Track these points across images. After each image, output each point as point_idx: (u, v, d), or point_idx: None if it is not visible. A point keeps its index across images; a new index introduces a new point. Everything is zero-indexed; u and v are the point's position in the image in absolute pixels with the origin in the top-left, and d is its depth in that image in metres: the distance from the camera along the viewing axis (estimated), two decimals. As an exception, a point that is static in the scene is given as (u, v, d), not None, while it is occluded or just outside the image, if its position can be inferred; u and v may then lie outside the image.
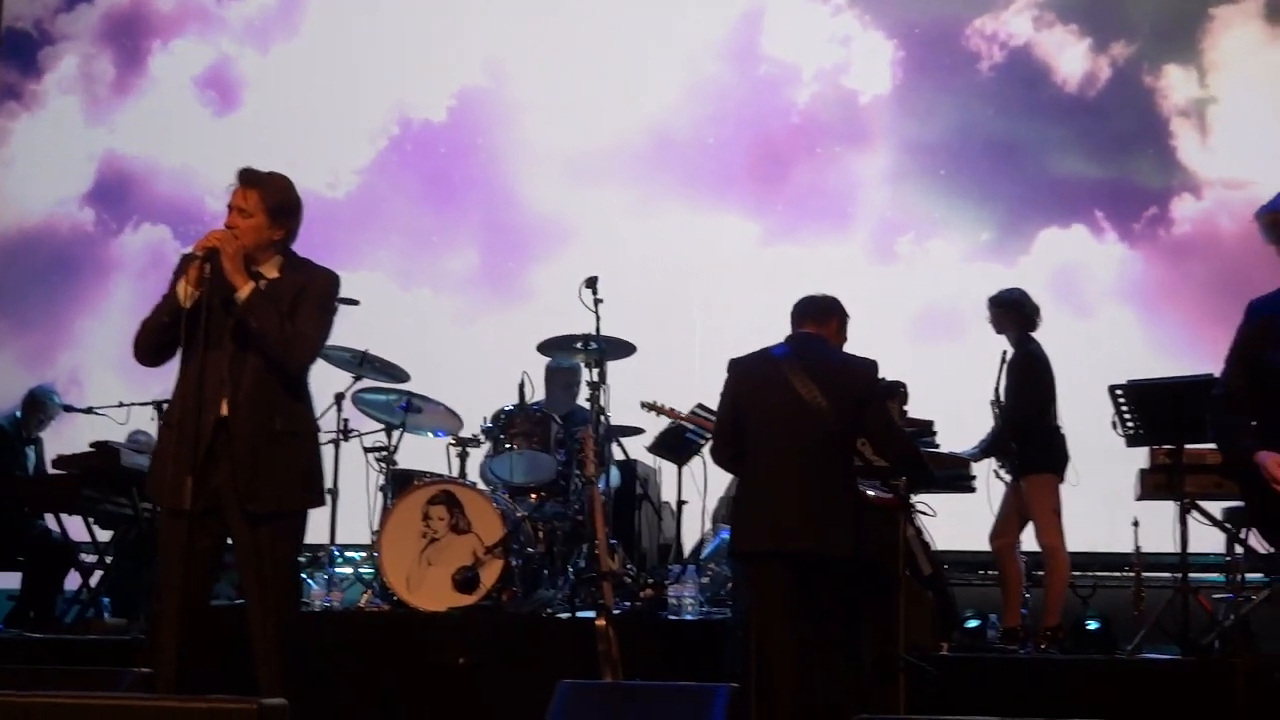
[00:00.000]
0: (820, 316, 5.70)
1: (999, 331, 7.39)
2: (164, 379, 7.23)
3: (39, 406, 8.58)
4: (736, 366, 5.63)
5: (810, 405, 5.37)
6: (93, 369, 10.48)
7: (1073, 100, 10.07)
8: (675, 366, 9.12)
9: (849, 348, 5.80)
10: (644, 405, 7.05)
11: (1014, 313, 7.34)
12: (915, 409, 7.19)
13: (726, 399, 5.60)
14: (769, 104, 10.45)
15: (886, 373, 5.79)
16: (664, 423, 7.58)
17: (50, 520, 8.28)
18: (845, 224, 10.22)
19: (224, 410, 4.87)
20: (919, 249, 10.07)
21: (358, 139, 10.78)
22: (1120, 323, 9.58)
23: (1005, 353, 7.30)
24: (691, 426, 7.40)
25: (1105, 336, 9.38)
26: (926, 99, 10.27)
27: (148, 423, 8.20)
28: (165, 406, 5.19)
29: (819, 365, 5.49)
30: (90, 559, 8.34)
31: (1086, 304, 9.73)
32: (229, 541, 5.02)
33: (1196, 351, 8.04)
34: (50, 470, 8.24)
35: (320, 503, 5.21)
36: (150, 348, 5.03)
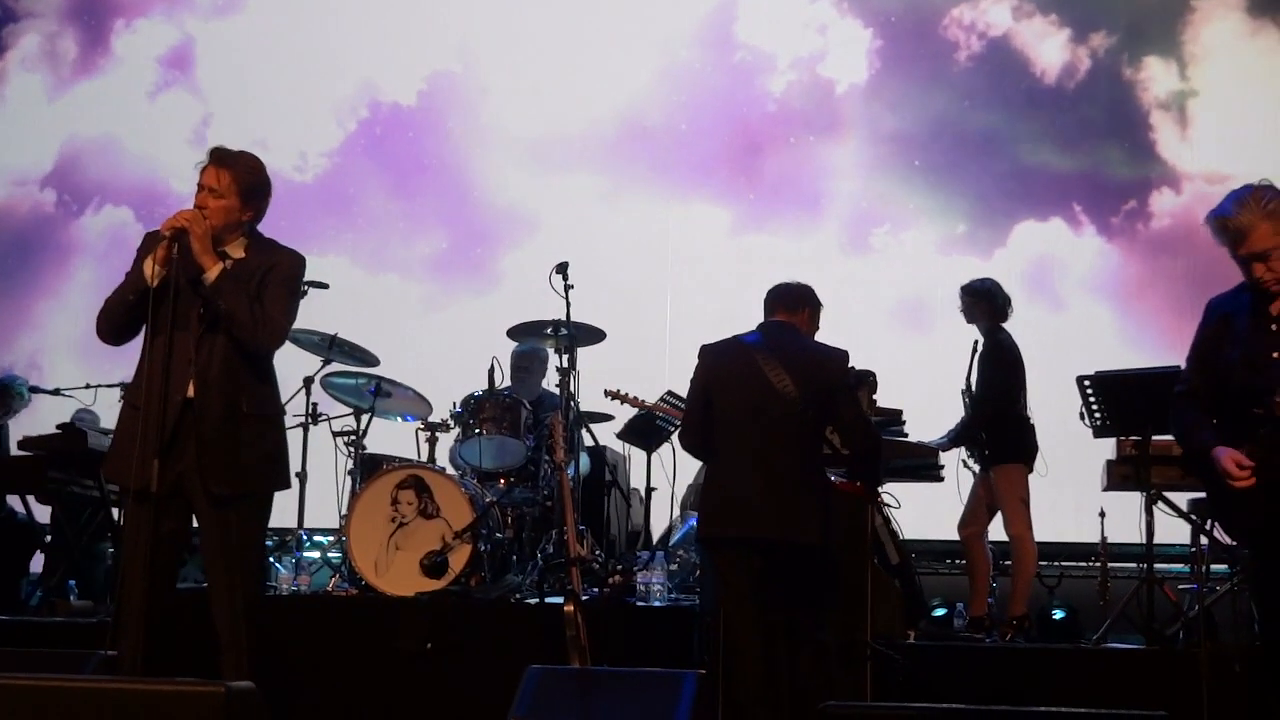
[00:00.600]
0: (793, 305, 5.69)
1: (970, 321, 7.41)
2: (126, 363, 7.23)
3: (7, 396, 8.52)
4: (707, 353, 5.63)
5: (780, 393, 5.37)
6: (52, 352, 10.34)
7: (1051, 92, 10.02)
8: (645, 353, 9.12)
9: (820, 337, 5.80)
10: (607, 394, 7.03)
11: (985, 302, 7.36)
12: (888, 399, 7.23)
13: (697, 385, 5.60)
14: (744, 92, 10.41)
15: (858, 362, 5.79)
16: (634, 409, 7.57)
17: (16, 502, 8.22)
18: (819, 214, 10.17)
19: (190, 391, 4.84)
20: (894, 240, 10.03)
21: (327, 122, 10.71)
22: (1096, 317, 9.54)
23: (976, 342, 7.33)
24: (657, 415, 7.40)
25: (1081, 330, 9.36)
26: (903, 89, 10.21)
27: (114, 404, 8.15)
28: (128, 386, 5.13)
29: (790, 353, 5.48)
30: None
31: (1063, 298, 9.70)
32: (195, 524, 4.99)
33: (1173, 346, 7.93)
34: (15, 452, 8.18)
35: (286, 485, 5.18)
36: (114, 327, 4.99)
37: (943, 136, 10.05)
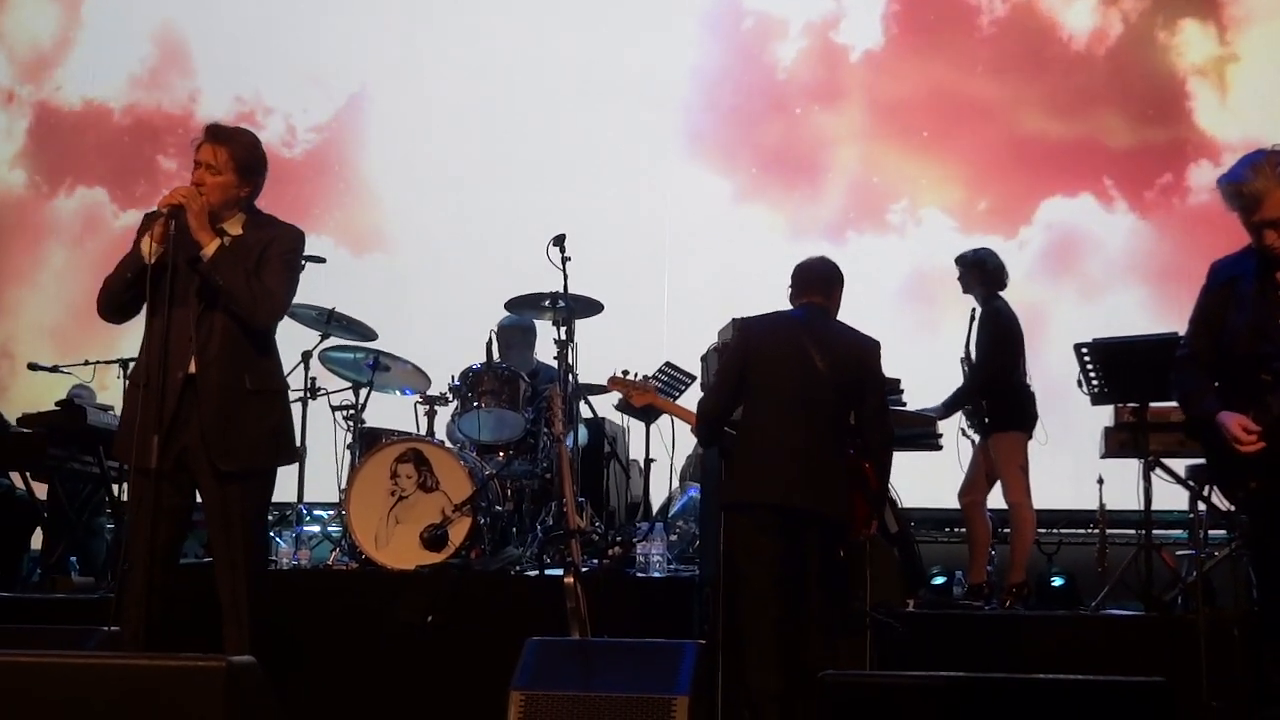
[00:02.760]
0: (825, 288, 5.73)
1: (966, 291, 7.41)
2: (102, 345, 7.20)
3: None
4: (750, 327, 5.66)
5: (820, 372, 5.42)
6: (25, 339, 10.13)
7: (1080, 58, 9.52)
8: (643, 325, 9.09)
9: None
10: (611, 382, 6.93)
11: (977, 271, 7.36)
12: (910, 377, 7.19)
13: (735, 357, 5.62)
14: (752, 60, 10.10)
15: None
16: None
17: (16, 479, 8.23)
18: (828, 187, 9.87)
19: (192, 368, 4.85)
20: (911, 218, 9.67)
21: (317, 95, 10.53)
22: (1128, 299, 9.06)
23: (974, 310, 7.33)
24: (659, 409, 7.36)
25: (1112, 313, 8.75)
26: (921, 56, 9.76)
27: (113, 380, 8.16)
28: (131, 365, 5.14)
29: (828, 338, 5.54)
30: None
31: (1093, 278, 9.30)
32: (198, 500, 5.01)
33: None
34: (16, 428, 8.19)
35: (291, 460, 5.21)
36: (114, 305, 5.00)
37: (963, 106, 9.62)
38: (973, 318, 7.33)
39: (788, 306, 5.75)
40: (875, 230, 9.67)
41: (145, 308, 4.88)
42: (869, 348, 5.64)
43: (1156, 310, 8.87)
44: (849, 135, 9.90)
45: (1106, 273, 9.30)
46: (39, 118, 10.85)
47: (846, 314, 5.81)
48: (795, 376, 5.46)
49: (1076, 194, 9.37)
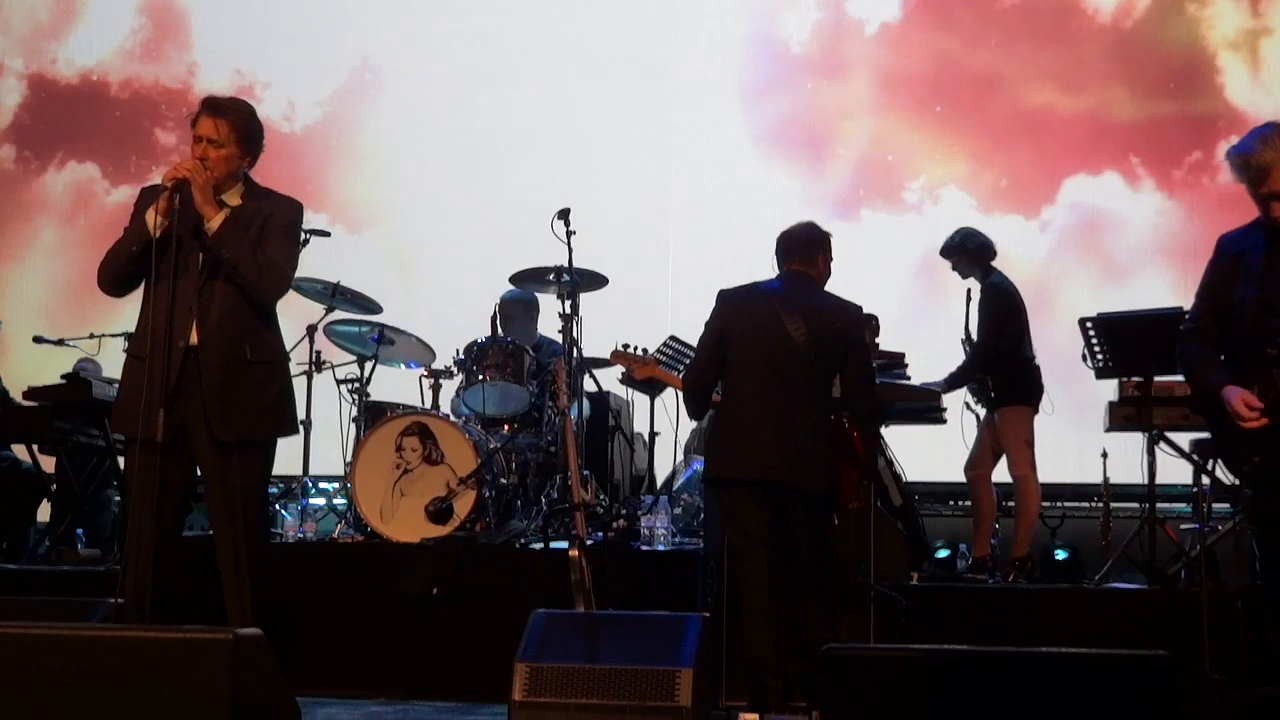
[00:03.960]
0: (807, 253, 5.66)
1: (965, 276, 7.38)
2: (93, 324, 7.17)
3: None
4: (727, 298, 5.62)
5: (796, 342, 5.39)
6: (13, 316, 9.79)
7: (1105, 31, 9.18)
8: (648, 298, 9.06)
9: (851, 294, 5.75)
10: (614, 355, 6.91)
11: (963, 255, 7.33)
12: (929, 356, 7.14)
13: (713, 328, 5.59)
14: (763, 31, 9.85)
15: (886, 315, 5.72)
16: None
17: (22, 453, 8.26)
18: (839, 163, 9.63)
19: (194, 339, 4.86)
20: (929, 196, 9.37)
21: (318, 68, 10.40)
22: (1155, 282, 8.70)
23: (970, 290, 7.32)
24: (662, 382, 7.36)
25: (1138, 298, 8.17)
26: (938, 29, 9.44)
27: (117, 353, 8.16)
28: (131, 338, 5.14)
29: (808, 306, 5.49)
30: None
31: (1118, 260, 8.98)
32: (199, 473, 5.02)
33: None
34: (21, 401, 8.20)
35: (292, 431, 5.21)
36: (117, 278, 5.01)
37: (983, 82, 9.29)
38: (969, 297, 7.31)
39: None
40: (891, 208, 9.44)
41: (145, 282, 4.90)
42: (851, 314, 5.58)
43: (1186, 293, 8.22)
44: (862, 109, 9.67)
45: (1132, 254, 9.01)
46: (33, 90, 10.74)
47: (861, 292, 5.75)
48: (770, 348, 5.43)
49: (1101, 172, 9.08)
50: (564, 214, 7.02)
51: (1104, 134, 9.08)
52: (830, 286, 5.71)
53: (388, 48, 10.42)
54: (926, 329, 8.00)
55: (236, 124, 4.99)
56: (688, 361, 7.54)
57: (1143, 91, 9.08)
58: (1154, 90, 9.09)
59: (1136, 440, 6.92)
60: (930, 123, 9.49)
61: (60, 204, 10.53)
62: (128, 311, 5.12)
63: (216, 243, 4.85)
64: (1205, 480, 6.54)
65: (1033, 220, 8.99)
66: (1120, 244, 9.04)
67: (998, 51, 9.38)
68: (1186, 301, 5.14)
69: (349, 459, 7.32)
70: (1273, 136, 4.59)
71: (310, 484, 7.88)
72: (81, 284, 5.02)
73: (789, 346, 5.40)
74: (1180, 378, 5.93)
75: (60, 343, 8.47)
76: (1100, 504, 7.52)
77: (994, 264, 7.31)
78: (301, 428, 7.53)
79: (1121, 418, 7.05)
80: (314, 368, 7.82)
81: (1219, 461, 5.39)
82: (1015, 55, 9.35)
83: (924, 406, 7.26)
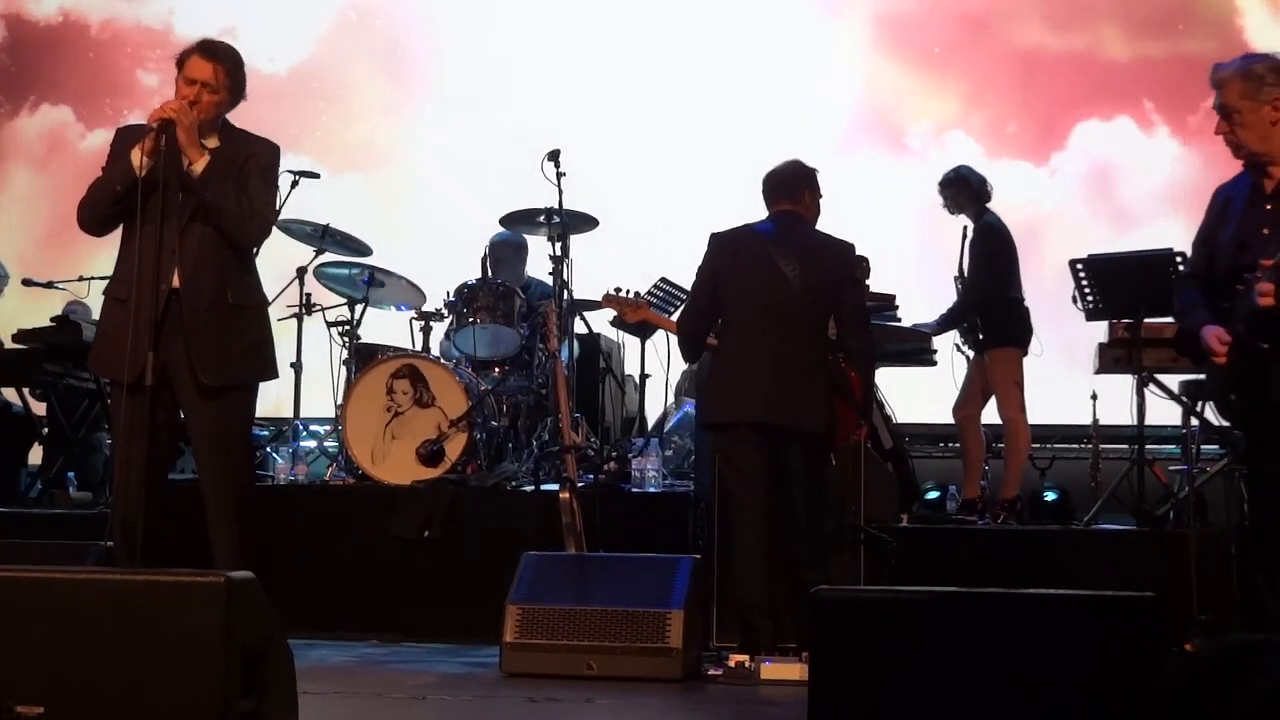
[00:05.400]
0: (793, 191, 5.64)
1: (956, 213, 7.36)
2: (68, 269, 7.08)
3: None
4: (718, 240, 5.60)
5: (790, 282, 5.39)
6: None
7: None
8: (638, 240, 9.02)
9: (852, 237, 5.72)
10: (606, 299, 6.86)
11: (964, 187, 7.30)
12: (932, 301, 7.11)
13: (706, 272, 5.58)
14: None
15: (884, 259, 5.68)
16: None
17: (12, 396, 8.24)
18: (838, 106, 9.46)
19: (176, 282, 4.84)
20: (934, 141, 9.15)
21: (303, 9, 10.26)
22: (1169, 233, 7.99)
23: (965, 228, 7.30)
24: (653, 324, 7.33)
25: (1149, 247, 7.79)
26: None
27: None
28: (110, 280, 5.10)
29: (800, 245, 5.48)
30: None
31: (1129, 210, 8.75)
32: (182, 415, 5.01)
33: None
34: (9, 344, 8.18)
35: (272, 375, 5.20)
36: (100, 217, 4.98)
37: (988, 21, 9.02)
38: (964, 235, 7.30)
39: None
40: (894, 153, 9.27)
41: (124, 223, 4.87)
42: (844, 252, 5.58)
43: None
44: (861, 50, 9.46)
45: (1145, 202, 8.79)
46: (10, 30, 10.55)
47: (864, 236, 5.72)
48: (763, 290, 5.42)
49: (1112, 118, 8.83)
50: (554, 155, 6.99)
51: (1116, 77, 8.82)
52: (827, 229, 5.69)
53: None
54: (930, 276, 7.82)
55: (231, 70, 4.96)
56: (680, 303, 7.55)
57: (1156, 32, 8.80)
58: (1169, 32, 8.81)
59: (1126, 382, 6.92)
60: (929, 65, 9.34)
61: (32, 149, 10.38)
62: (102, 256, 5.06)
63: (201, 186, 4.82)
64: (1194, 422, 6.57)
65: (1042, 167, 8.81)
66: (1132, 191, 8.84)
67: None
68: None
69: (340, 402, 7.31)
70: (1242, 59, 4.61)
71: (301, 427, 7.87)
72: (57, 231, 4.94)
73: (784, 287, 5.40)
74: (1170, 319, 5.94)
75: (50, 285, 8.43)
76: (1090, 446, 7.55)
77: (991, 207, 7.30)
78: (292, 370, 7.53)
79: (1111, 360, 7.06)
80: (304, 310, 7.79)
81: (1208, 403, 5.40)
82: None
83: (914, 348, 7.27)
